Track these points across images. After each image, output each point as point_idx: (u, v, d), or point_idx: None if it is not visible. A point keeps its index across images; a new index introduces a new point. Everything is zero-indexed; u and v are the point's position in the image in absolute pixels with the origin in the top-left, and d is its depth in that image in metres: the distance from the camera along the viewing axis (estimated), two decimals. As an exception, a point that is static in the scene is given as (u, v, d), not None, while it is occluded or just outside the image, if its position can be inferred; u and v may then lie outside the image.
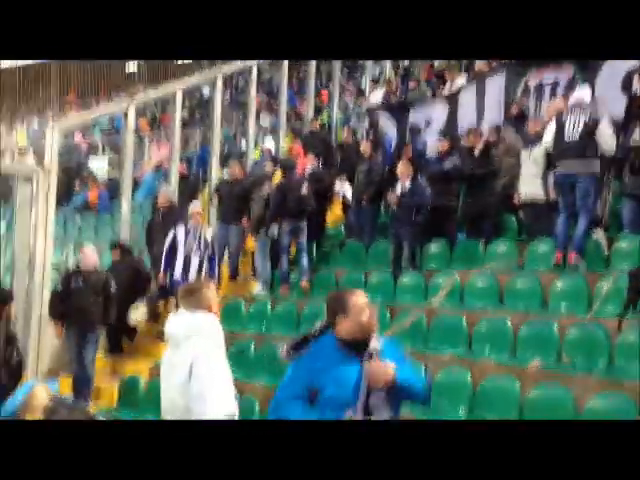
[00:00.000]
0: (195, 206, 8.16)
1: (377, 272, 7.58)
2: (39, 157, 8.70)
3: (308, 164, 8.82)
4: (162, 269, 7.81)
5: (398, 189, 7.36)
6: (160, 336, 6.09)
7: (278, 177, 8.68)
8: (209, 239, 7.99)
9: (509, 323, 5.65)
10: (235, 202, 8.60)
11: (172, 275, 7.76)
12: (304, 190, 8.01)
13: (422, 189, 7.33)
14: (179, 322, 3.30)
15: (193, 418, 3.03)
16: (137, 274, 8.14)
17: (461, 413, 5.01)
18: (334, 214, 9.53)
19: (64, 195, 11.77)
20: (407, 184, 7.34)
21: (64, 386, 6.83)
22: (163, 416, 3.29)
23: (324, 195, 8.72)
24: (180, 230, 7.87)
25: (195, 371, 3.11)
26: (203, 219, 8.18)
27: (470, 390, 5.12)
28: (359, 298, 2.94)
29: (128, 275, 7.85)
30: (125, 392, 6.85)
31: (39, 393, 2.25)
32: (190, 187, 10.95)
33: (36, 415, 2.17)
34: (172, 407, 3.18)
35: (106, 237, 10.60)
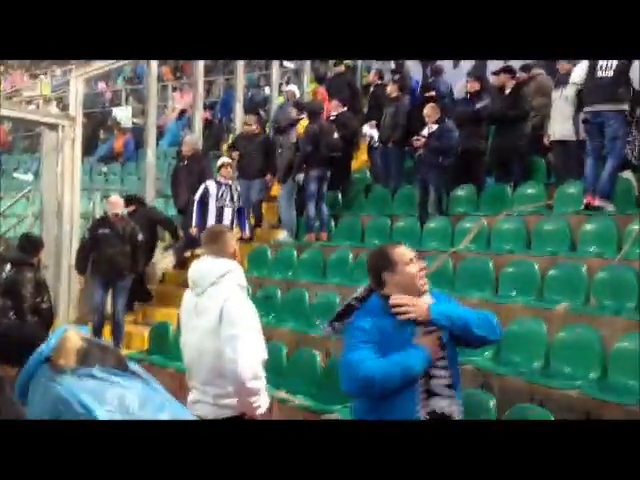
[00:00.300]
0: (225, 158, 8.12)
1: (403, 217, 7.53)
2: (63, 106, 8.72)
3: (333, 109, 8.69)
4: (194, 223, 7.75)
5: (425, 132, 7.22)
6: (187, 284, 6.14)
7: (304, 123, 8.58)
8: (239, 191, 7.98)
9: (536, 266, 5.59)
10: (256, 157, 8.47)
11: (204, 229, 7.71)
12: (335, 135, 7.92)
13: (449, 132, 7.18)
14: (205, 268, 3.29)
15: (224, 362, 3.05)
16: (152, 224, 8.16)
17: (487, 355, 5.01)
18: (359, 159, 9.43)
19: (89, 145, 11.82)
20: (434, 127, 7.20)
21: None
22: (188, 365, 3.31)
23: (350, 140, 8.62)
24: (211, 183, 7.82)
25: (226, 315, 3.10)
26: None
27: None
28: (404, 250, 2.78)
29: (143, 225, 7.77)
30: (155, 338, 6.98)
31: (72, 336, 2.27)
32: (214, 133, 10.91)
33: (70, 358, 2.19)
34: (199, 353, 3.18)
35: (132, 185, 10.67)
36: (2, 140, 14.14)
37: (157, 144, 10.23)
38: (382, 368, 2.61)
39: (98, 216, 8.10)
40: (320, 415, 5.08)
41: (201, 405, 3.18)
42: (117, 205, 7.45)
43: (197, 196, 7.83)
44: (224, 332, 3.08)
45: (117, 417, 2.03)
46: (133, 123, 13.04)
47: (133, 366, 2.38)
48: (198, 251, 8.56)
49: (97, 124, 13.02)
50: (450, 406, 2.72)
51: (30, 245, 5.68)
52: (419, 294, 2.77)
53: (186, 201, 8.33)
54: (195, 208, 7.82)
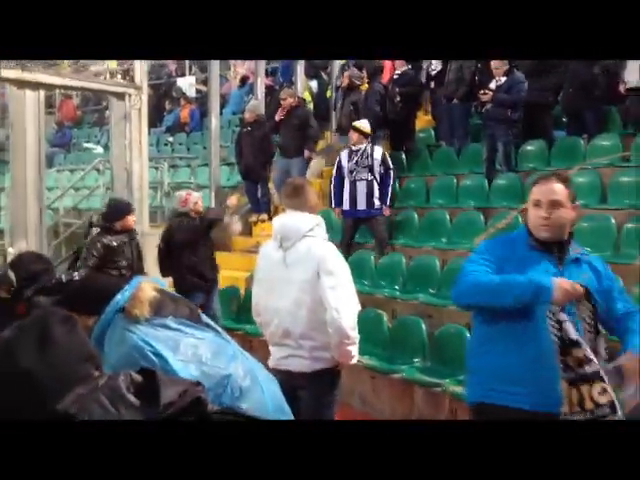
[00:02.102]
0: (360, 123, 7.11)
1: (469, 176, 7.32)
2: (130, 78, 8.86)
3: (397, 66, 8.49)
4: (333, 203, 6.99)
5: (492, 85, 6.96)
6: (253, 250, 6.11)
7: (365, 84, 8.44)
8: (379, 159, 6.86)
9: (612, 220, 5.34)
10: (294, 133, 8.13)
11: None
12: (397, 98, 7.77)
13: (519, 83, 6.89)
14: (293, 221, 3.24)
15: (326, 313, 3.05)
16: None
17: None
18: (423, 118, 9.21)
19: (155, 116, 12.01)
20: (502, 79, 6.92)
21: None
22: (274, 321, 3.24)
23: (414, 99, 8.41)
24: (343, 153, 7.03)
25: (325, 266, 3.09)
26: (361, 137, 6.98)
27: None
28: (536, 189, 2.57)
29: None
30: (223, 302, 7.09)
31: (146, 287, 2.30)
32: (276, 99, 10.88)
33: (144, 309, 2.22)
34: (296, 306, 3.15)
35: (197, 154, 10.81)
36: (71, 114, 14.55)
37: (221, 112, 10.30)
38: (491, 280, 2.47)
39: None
40: (387, 375, 5.06)
41: (295, 359, 3.18)
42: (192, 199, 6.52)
43: (334, 171, 7.06)
44: (325, 282, 3.08)
45: (192, 366, 2.06)
46: (197, 92, 13.16)
47: (205, 318, 2.40)
48: (263, 217, 8.63)
49: (162, 95, 13.19)
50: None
51: (110, 211, 5.56)
52: (557, 238, 2.54)
53: (249, 167, 8.36)
54: (332, 186, 7.03)
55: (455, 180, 7.40)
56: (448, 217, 6.77)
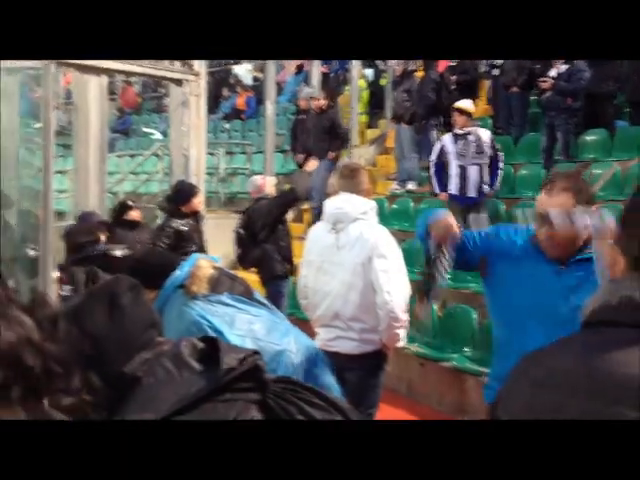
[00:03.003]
0: (460, 103, 6.76)
1: (527, 166, 7.20)
2: (188, 64, 9.02)
3: (453, 55, 8.39)
4: (437, 189, 6.69)
5: (552, 73, 6.81)
6: (305, 237, 6.08)
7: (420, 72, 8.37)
8: (488, 141, 6.54)
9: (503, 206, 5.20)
10: (322, 137, 7.99)
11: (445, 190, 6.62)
12: (452, 85, 7.71)
13: (580, 72, 6.72)
14: (346, 204, 3.24)
15: (377, 295, 3.08)
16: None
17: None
18: (480, 106, 9.08)
19: (213, 103, 12.18)
20: (563, 67, 6.77)
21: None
22: (325, 303, 3.24)
23: (471, 87, 8.31)
24: (447, 138, 6.69)
25: (378, 249, 3.12)
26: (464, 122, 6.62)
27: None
28: (543, 197, 2.25)
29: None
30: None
31: (204, 264, 2.38)
32: (331, 86, 10.90)
33: (202, 285, 2.29)
34: (347, 287, 3.16)
35: (253, 141, 10.93)
36: (132, 101, 14.90)
37: (277, 100, 10.39)
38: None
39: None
40: (437, 362, 5.06)
41: (344, 341, 3.20)
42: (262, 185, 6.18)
43: (433, 156, 6.70)
44: (377, 266, 3.10)
45: (247, 341, 2.14)
46: (254, 80, 13.29)
47: (258, 296, 2.46)
48: (311, 204, 8.66)
49: (220, 82, 13.37)
50: None
51: (175, 195, 5.50)
52: None
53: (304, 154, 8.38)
54: (433, 172, 6.71)
55: (513, 170, 7.28)
56: (504, 207, 6.68)
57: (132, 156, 11.94)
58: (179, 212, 5.27)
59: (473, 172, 6.42)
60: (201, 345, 1.34)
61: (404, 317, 3.13)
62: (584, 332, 0.88)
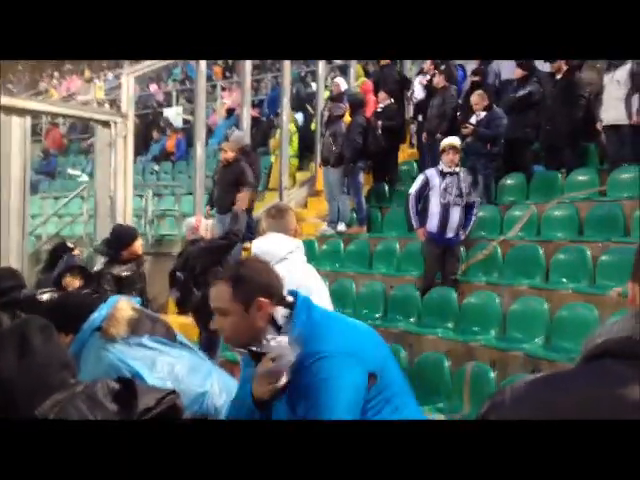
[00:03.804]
0: (450, 140, 6.46)
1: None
2: (116, 107, 8.95)
3: (380, 100, 8.66)
4: (415, 224, 6.31)
5: (473, 120, 7.13)
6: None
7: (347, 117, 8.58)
8: (467, 185, 6.27)
9: (588, 252, 5.45)
10: (228, 190, 7.66)
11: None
12: (379, 131, 7.93)
13: (498, 119, 7.06)
14: (273, 244, 3.23)
15: None
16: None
17: (537, 342, 4.91)
18: (406, 151, 9.37)
19: (142, 145, 12.09)
20: (482, 114, 7.09)
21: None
22: None
23: (397, 132, 8.58)
24: (432, 173, 6.30)
25: (308, 285, 3.05)
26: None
27: (547, 319, 5.00)
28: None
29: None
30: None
31: (123, 306, 2.33)
32: (262, 130, 11.02)
33: (121, 328, 2.25)
34: None
35: (183, 183, 10.86)
36: (58, 142, 14.60)
37: (206, 143, 10.40)
38: None
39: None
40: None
41: None
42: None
43: (413, 189, 6.34)
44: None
45: (168, 384, 2.09)
46: (184, 122, 13.28)
47: (181, 338, 2.43)
48: (247, 245, 8.66)
49: (149, 124, 13.30)
50: None
51: (114, 239, 5.22)
52: None
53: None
54: (412, 204, 6.29)
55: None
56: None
57: (56, 198, 11.64)
58: (119, 257, 5.05)
59: (455, 213, 6.17)
60: (117, 386, 1.32)
61: None
62: (604, 361, 0.87)
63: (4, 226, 7.44)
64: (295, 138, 10.32)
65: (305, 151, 10.53)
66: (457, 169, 6.25)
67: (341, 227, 8.11)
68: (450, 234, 6.17)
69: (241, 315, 1.85)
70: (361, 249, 7.52)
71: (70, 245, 5.68)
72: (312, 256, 7.92)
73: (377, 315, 6.26)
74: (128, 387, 1.30)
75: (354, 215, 8.17)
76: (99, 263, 5.20)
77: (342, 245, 7.75)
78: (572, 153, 7.03)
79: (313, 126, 10.55)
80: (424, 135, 8.21)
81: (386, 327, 5.93)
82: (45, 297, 3.70)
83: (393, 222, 7.86)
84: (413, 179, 8.48)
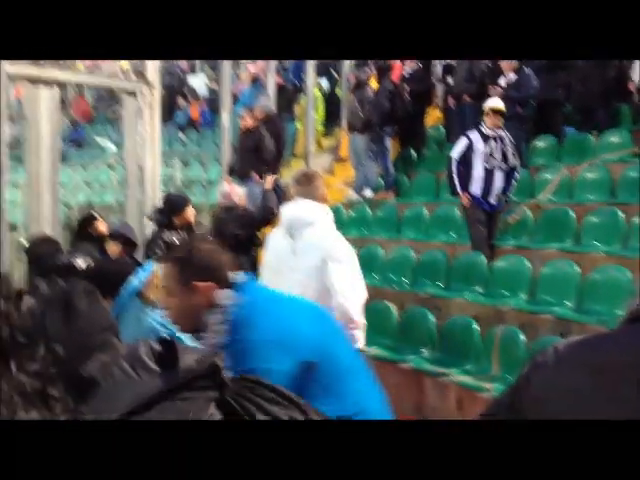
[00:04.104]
0: (494, 102, 6.13)
1: (480, 172, 7.34)
2: (142, 74, 8.96)
3: (408, 65, 8.53)
4: (458, 188, 5.99)
5: (502, 82, 6.99)
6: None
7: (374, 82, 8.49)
8: (512, 150, 5.98)
9: (621, 215, 5.36)
10: (243, 156, 7.75)
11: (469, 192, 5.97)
12: (406, 94, 7.84)
13: (528, 81, 6.92)
14: (302, 210, 3.28)
15: (333, 298, 3.11)
16: None
17: (568, 305, 4.88)
18: (433, 115, 9.25)
19: (167, 113, 12.10)
20: (512, 76, 6.95)
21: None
22: None
23: (424, 96, 8.46)
24: (476, 136, 5.97)
25: (333, 253, 3.16)
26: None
27: (578, 283, 4.96)
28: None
29: None
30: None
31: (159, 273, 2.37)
32: (287, 97, 10.95)
33: (157, 293, 2.28)
34: (302, 292, 3.06)
35: (210, 151, 10.89)
36: (84, 112, 14.69)
37: (233, 110, 10.38)
38: None
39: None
40: (395, 364, 5.11)
41: None
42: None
43: (455, 153, 6.02)
44: (332, 269, 3.13)
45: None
46: (209, 90, 13.25)
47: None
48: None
49: (174, 93, 13.29)
50: None
51: (166, 206, 5.23)
52: None
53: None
54: (454, 169, 6.00)
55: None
56: (457, 212, 6.81)
57: (85, 167, 11.76)
58: (171, 224, 5.05)
59: (498, 178, 5.91)
60: (158, 347, 1.35)
61: (359, 319, 3.18)
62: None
63: (36, 195, 7.55)
64: (320, 104, 10.24)
65: (331, 117, 10.45)
66: (501, 132, 5.97)
67: (368, 193, 8.08)
68: (493, 200, 5.93)
69: (182, 297, 1.82)
70: (389, 215, 7.49)
71: (94, 214, 5.67)
72: (339, 222, 7.91)
73: (405, 280, 6.26)
74: (169, 347, 1.32)
75: (381, 181, 8.13)
76: (151, 230, 5.19)
77: (369, 211, 7.72)
78: (604, 114, 6.89)
79: (338, 91, 10.46)
80: (450, 99, 8.09)
81: (414, 292, 5.94)
82: (81, 263, 3.77)
83: (421, 187, 7.81)
84: (440, 144, 8.46)
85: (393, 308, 5.57)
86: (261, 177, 7.22)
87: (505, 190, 5.98)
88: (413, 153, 8.45)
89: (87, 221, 5.54)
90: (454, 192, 6.10)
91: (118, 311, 2.27)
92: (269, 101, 9.35)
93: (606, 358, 0.87)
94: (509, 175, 5.97)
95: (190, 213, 5.17)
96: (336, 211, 8.04)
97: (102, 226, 5.39)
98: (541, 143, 7.17)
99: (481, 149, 5.89)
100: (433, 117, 9.20)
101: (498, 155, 5.90)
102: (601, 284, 4.74)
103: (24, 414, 0.47)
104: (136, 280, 2.31)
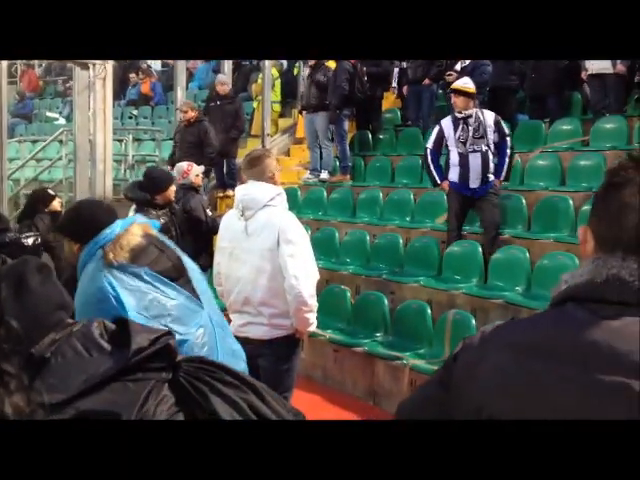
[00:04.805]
0: (456, 83, 6.04)
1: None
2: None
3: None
4: (437, 178, 5.84)
5: (457, 67, 7.05)
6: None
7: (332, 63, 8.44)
8: (491, 125, 5.68)
9: (571, 202, 5.50)
10: (191, 150, 7.53)
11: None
12: (364, 76, 7.83)
13: (483, 67, 7.00)
14: (254, 191, 3.27)
15: (285, 280, 3.13)
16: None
17: (517, 290, 5.00)
18: (390, 99, 9.27)
19: (119, 89, 11.82)
20: (467, 62, 7.02)
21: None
22: (236, 289, 3.27)
23: (382, 78, 8.47)
24: (446, 122, 5.84)
25: (285, 234, 3.15)
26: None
27: (528, 268, 5.09)
28: None
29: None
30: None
31: (134, 230, 2.25)
32: (244, 74, 10.82)
33: (120, 255, 2.17)
34: (256, 274, 3.20)
35: (162, 127, 10.69)
36: (33, 85, 14.21)
37: (187, 87, 10.19)
38: None
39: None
40: (350, 348, 5.17)
41: (254, 327, 3.22)
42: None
43: (429, 143, 5.94)
44: (284, 251, 3.13)
45: (151, 323, 1.99)
46: (163, 66, 12.98)
47: (192, 279, 2.32)
48: (228, 192, 8.61)
49: (127, 68, 12.97)
50: None
51: (149, 183, 4.91)
52: None
53: (220, 142, 8.16)
54: (429, 160, 5.88)
55: (420, 160, 7.48)
56: (412, 196, 6.87)
57: (34, 142, 11.41)
58: (153, 202, 4.75)
59: (475, 161, 5.58)
60: (112, 326, 1.33)
61: (312, 301, 3.18)
62: (566, 306, 0.93)
63: (-19, 170, 7.30)
64: (278, 83, 10.16)
65: (288, 97, 10.38)
66: (469, 112, 5.67)
67: (324, 175, 8.07)
68: (474, 184, 5.60)
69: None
70: (344, 197, 7.51)
71: (51, 192, 5.47)
72: (294, 204, 7.90)
73: (360, 263, 6.30)
74: (123, 327, 1.31)
75: (337, 163, 8.14)
76: (130, 210, 4.80)
77: (325, 193, 7.73)
78: (556, 102, 7.03)
79: (296, 71, 10.38)
80: (405, 82, 8.12)
81: (368, 276, 5.99)
82: (30, 241, 3.67)
83: (376, 170, 7.85)
84: (396, 127, 8.50)
85: (348, 291, 5.62)
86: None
87: (498, 170, 5.63)
88: (369, 136, 8.48)
89: (43, 198, 5.30)
90: (434, 183, 5.96)
91: (85, 260, 2.19)
92: (226, 79, 9.22)
93: (521, 338, 0.93)
94: (487, 154, 5.61)
95: (172, 191, 4.92)
96: (292, 193, 8.04)
97: (58, 205, 5.24)
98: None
99: (452, 134, 5.72)
100: (389, 100, 9.23)
101: (471, 136, 5.61)
102: (550, 270, 4.87)
103: None
104: (109, 231, 2.18)
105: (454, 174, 5.70)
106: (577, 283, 0.94)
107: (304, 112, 8.33)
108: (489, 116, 5.74)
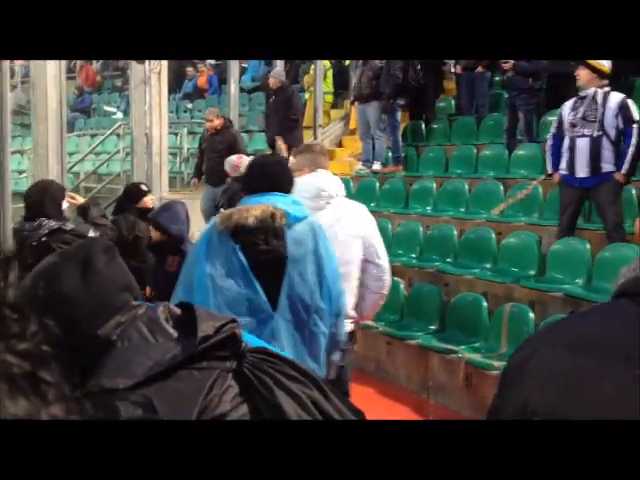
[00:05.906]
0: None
1: (489, 146, 7.27)
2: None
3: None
4: (549, 165, 5.32)
5: (513, 53, 6.86)
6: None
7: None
8: (613, 108, 4.94)
9: (633, 192, 5.30)
10: (219, 159, 7.26)
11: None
12: (418, 65, 7.72)
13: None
14: (324, 180, 3.28)
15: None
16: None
17: (578, 282, 4.86)
18: (444, 87, 9.12)
19: (175, 82, 11.99)
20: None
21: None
22: None
23: (436, 67, 8.34)
24: (567, 104, 5.26)
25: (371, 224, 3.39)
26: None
27: (588, 260, 4.93)
28: None
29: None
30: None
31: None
32: (295, 67, 10.83)
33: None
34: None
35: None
36: (91, 80, 14.56)
37: (240, 80, 10.26)
38: None
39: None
40: (403, 341, 5.12)
41: None
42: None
43: (552, 128, 5.40)
44: (374, 239, 3.36)
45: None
46: (216, 60, 13.09)
47: None
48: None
49: (182, 61, 13.14)
50: None
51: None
52: None
53: (273, 136, 8.18)
54: (549, 146, 5.34)
55: (475, 150, 7.35)
56: (467, 187, 6.75)
57: (92, 135, 11.70)
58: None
59: (583, 146, 4.93)
60: (177, 311, 1.32)
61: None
62: (619, 301, 0.91)
63: (43, 163, 7.51)
64: (330, 74, 10.12)
65: (340, 88, 10.33)
66: (589, 91, 5.00)
67: (377, 166, 8.01)
68: (582, 173, 4.96)
69: None
70: (397, 188, 7.43)
71: (144, 188, 5.12)
72: (348, 195, 7.84)
73: (413, 255, 6.23)
74: (189, 312, 1.29)
75: (389, 154, 8.05)
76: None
77: (377, 184, 7.67)
78: (623, 86, 6.76)
79: (347, 62, 10.31)
80: (458, 68, 7.94)
81: (422, 267, 5.92)
82: (92, 233, 3.76)
83: (430, 161, 7.74)
84: (450, 116, 8.36)
85: (401, 283, 5.56)
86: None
87: (622, 159, 4.83)
88: (422, 126, 8.36)
89: (135, 194, 5.00)
90: (545, 173, 5.50)
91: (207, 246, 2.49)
92: (280, 70, 9.23)
93: (574, 333, 0.92)
94: (599, 140, 4.88)
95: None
96: (344, 184, 7.98)
97: (150, 201, 4.95)
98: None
99: (566, 116, 5.11)
100: (443, 89, 9.09)
101: (588, 120, 4.92)
102: (611, 261, 4.71)
103: (10, 403, 0.42)
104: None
105: (563, 162, 5.10)
106: (629, 278, 0.92)
107: (356, 102, 8.27)
108: (614, 98, 4.96)
